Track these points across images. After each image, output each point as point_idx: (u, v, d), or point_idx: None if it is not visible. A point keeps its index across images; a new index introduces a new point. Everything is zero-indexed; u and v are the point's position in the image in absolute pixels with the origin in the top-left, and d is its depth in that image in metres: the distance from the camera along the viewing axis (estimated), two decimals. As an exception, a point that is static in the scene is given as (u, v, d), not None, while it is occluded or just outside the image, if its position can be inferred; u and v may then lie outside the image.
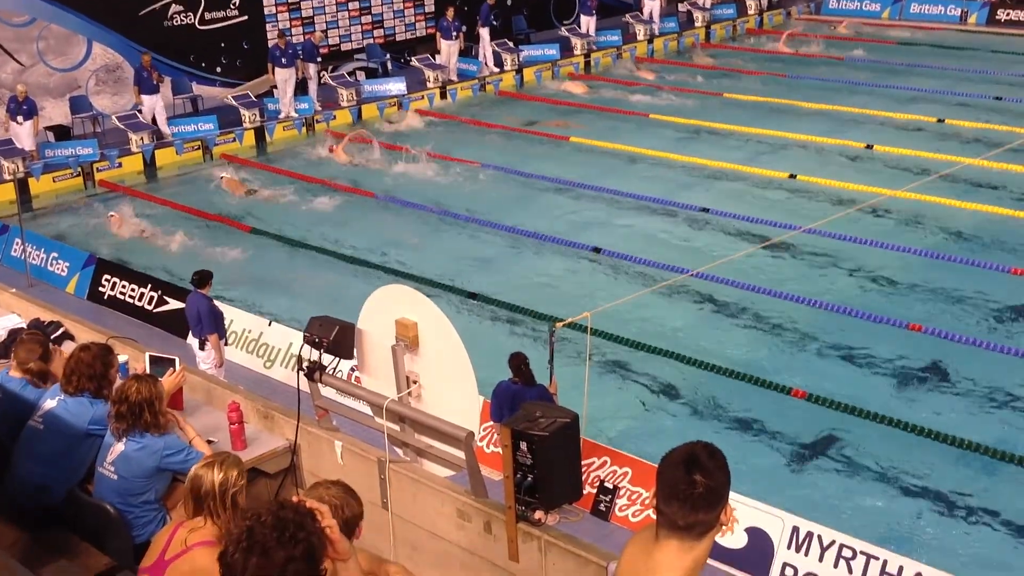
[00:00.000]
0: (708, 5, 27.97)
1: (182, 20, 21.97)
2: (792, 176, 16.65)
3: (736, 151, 18.29)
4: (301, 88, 21.36)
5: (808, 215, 14.72)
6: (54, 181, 18.07)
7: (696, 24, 27.48)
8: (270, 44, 21.87)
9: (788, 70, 23.49)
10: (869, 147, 17.86)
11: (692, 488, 2.96)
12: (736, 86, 22.43)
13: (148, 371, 6.11)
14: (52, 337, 7.10)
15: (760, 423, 10.05)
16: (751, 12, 28.48)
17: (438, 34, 23.53)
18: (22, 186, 17.16)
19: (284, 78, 20.70)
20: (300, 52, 21.21)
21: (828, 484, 9.15)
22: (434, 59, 23.28)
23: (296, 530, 3.02)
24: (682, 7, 28.31)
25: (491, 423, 9.04)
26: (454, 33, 23.16)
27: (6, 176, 17.53)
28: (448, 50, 23.19)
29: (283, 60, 20.62)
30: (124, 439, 5.33)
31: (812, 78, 22.68)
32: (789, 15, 29.19)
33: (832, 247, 13.82)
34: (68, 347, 6.98)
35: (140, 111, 19.77)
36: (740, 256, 13.11)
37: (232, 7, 22.58)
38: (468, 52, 24.29)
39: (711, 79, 23.37)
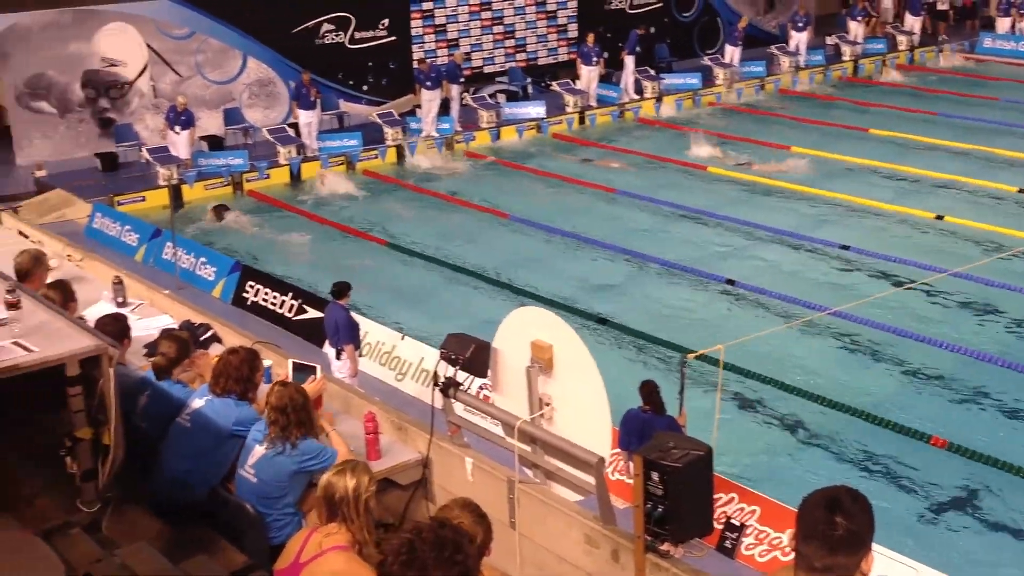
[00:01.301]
0: (859, 39, 27.30)
1: (333, 39, 22.68)
2: (939, 217, 16.11)
3: (880, 188, 17.81)
4: (443, 108, 21.77)
5: (955, 258, 14.21)
6: (206, 189, 18.86)
7: (844, 58, 26.89)
8: (415, 66, 22.38)
9: (939, 108, 22.76)
10: (1022, 191, 17.15)
11: (832, 529, 2.92)
12: (882, 122, 21.83)
13: (291, 377, 6.30)
14: (201, 339, 7.38)
15: (895, 470, 9.72)
16: (902, 48, 27.72)
17: (579, 59, 23.68)
18: (176, 192, 17.96)
19: (429, 99, 21.15)
20: (444, 73, 21.64)
21: (965, 539, 8.79)
22: (574, 84, 23.42)
23: (454, 551, 3.04)
24: (830, 40, 27.72)
25: (617, 450, 8.99)
26: (594, 59, 23.26)
27: (161, 182, 18.36)
28: (588, 75, 23.30)
29: (428, 83, 21.09)
30: (265, 443, 5.51)
31: (964, 117, 21.91)
32: (942, 52, 28.29)
33: (979, 292, 13.31)
34: (215, 349, 7.25)
35: (295, 125, 20.45)
36: (881, 296, 12.73)
37: (381, 27, 23.19)
38: (608, 78, 24.34)
39: (857, 114, 22.82)
